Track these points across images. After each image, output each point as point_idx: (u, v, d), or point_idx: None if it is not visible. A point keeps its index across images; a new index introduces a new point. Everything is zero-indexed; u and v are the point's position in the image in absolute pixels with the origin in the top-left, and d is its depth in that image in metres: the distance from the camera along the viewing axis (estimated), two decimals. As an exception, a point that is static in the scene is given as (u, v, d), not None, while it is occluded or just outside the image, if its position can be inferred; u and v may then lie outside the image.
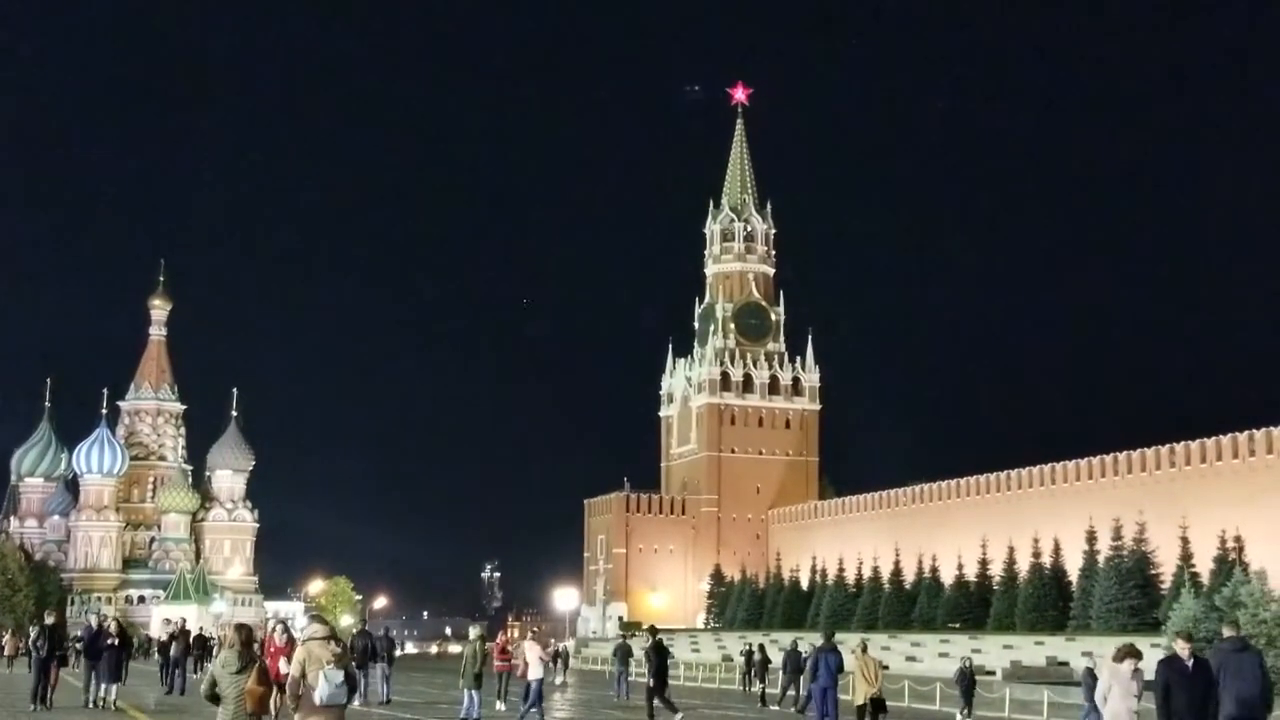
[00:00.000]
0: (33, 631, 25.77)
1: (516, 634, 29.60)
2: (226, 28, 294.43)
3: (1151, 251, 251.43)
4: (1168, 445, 78.78)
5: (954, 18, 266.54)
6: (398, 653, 45.33)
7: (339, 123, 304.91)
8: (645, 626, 33.50)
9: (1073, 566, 63.86)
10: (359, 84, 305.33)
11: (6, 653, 59.77)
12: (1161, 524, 61.33)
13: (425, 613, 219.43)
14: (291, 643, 26.46)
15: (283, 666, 18.49)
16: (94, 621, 27.12)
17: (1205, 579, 54.30)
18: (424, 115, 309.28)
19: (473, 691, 24.79)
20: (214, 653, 37.83)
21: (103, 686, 26.16)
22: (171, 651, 36.66)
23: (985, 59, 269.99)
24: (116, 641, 26.50)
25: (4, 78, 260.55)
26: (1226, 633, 15.06)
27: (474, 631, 26.66)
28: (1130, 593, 57.32)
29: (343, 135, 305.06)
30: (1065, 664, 51.68)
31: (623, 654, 38.62)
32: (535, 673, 25.85)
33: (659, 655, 27.51)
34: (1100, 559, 60.63)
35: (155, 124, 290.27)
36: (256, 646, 12.68)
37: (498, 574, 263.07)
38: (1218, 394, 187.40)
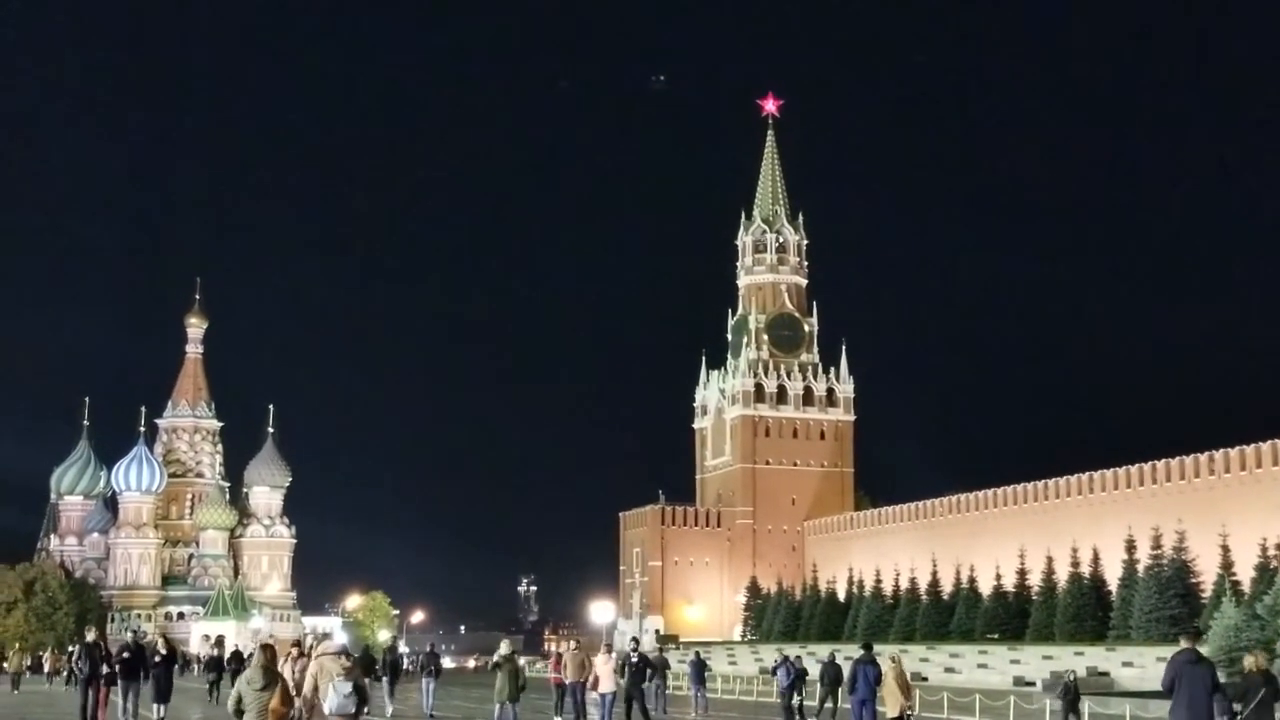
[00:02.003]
0: (75, 650, 25.56)
1: (575, 646, 29.26)
2: (257, 45, 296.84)
3: (1190, 259, 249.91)
4: (1207, 453, 78.07)
5: (982, 26, 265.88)
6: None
7: (374, 140, 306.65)
8: (629, 639, 33.59)
9: (1112, 576, 63.33)
10: (391, 99, 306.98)
11: (46, 670, 60.18)
12: (1201, 532, 60.80)
13: (462, 627, 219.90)
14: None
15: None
16: (131, 638, 26.60)
17: (1246, 588, 53.80)
18: (456, 130, 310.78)
19: (512, 705, 24.75)
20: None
21: (153, 707, 25.41)
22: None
23: (1018, 67, 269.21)
24: (167, 653, 25.81)
25: (42, 101, 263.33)
26: (1184, 644, 16.13)
27: (506, 646, 26.60)
28: (1170, 602, 56.79)
29: (377, 153, 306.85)
30: (1106, 674, 51.28)
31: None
32: (607, 686, 25.97)
33: (644, 668, 27.65)
34: (1140, 568, 60.11)
35: (192, 144, 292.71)
36: (284, 663, 13.26)
37: (534, 588, 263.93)
38: (1257, 400, 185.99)
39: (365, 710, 13.14)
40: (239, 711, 12.79)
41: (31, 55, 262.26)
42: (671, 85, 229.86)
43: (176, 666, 29.10)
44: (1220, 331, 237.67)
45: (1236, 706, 16.11)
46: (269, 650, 13.26)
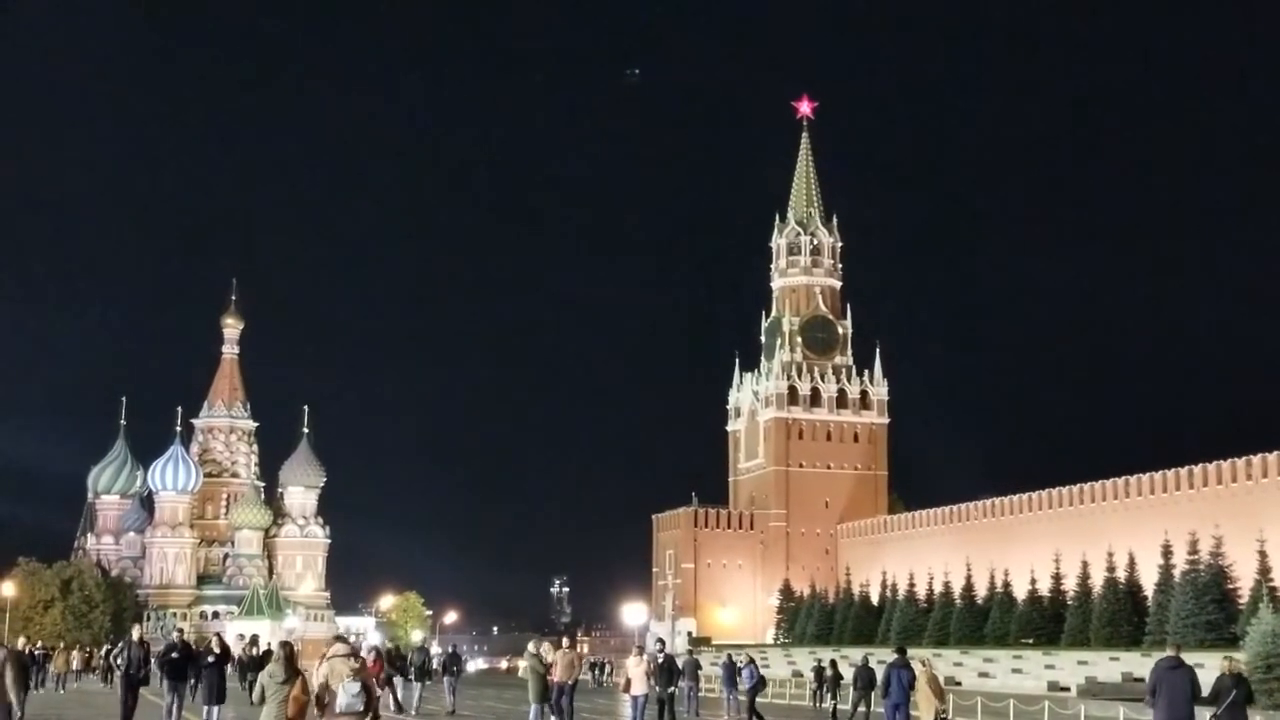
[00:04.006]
0: (116, 647, 25.21)
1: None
2: (293, 53, 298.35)
3: (1227, 261, 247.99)
4: (1244, 457, 77.56)
5: (1018, 28, 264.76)
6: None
7: (409, 139, 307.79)
8: (654, 641, 33.81)
9: (1148, 581, 62.94)
10: (424, 103, 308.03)
11: (75, 667, 60.53)
12: (1238, 537, 60.31)
13: (495, 628, 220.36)
14: (379, 659, 27.25)
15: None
16: (178, 638, 26.16)
17: (1284, 594, 53.42)
18: (492, 134, 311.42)
19: (539, 705, 24.86)
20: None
21: (205, 710, 24.60)
22: None
23: (1050, 66, 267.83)
24: (220, 653, 25.04)
25: (81, 102, 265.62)
26: (1168, 652, 18.37)
27: (534, 646, 26.61)
28: (1207, 607, 56.34)
29: (414, 152, 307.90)
30: (1141, 680, 50.94)
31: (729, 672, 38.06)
32: (639, 688, 26.11)
33: (670, 670, 27.85)
34: (1176, 573, 59.71)
35: (228, 144, 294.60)
36: (319, 662, 14.12)
37: (567, 589, 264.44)
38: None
39: (373, 706, 13.93)
40: (261, 700, 14.02)
41: (70, 54, 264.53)
42: (643, 79, 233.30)
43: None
44: (1259, 335, 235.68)
45: (1211, 708, 17.91)
46: (288, 646, 14.39)
